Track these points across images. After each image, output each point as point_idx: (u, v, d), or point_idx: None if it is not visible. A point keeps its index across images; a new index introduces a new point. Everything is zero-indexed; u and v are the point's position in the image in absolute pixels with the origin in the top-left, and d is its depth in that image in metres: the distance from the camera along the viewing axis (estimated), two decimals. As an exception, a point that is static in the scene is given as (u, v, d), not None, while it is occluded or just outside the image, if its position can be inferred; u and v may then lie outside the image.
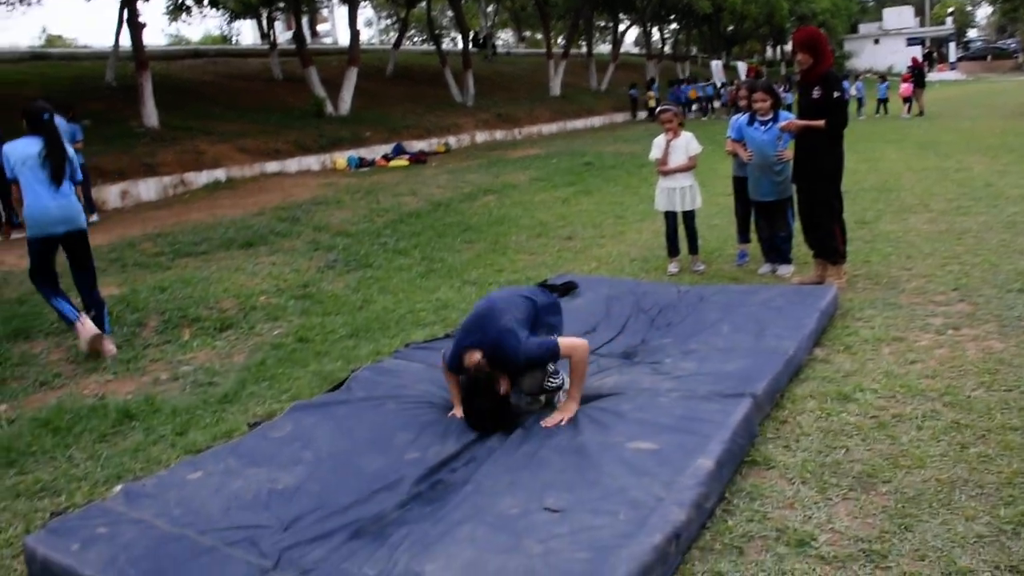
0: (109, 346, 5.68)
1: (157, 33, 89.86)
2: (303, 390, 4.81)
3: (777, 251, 6.80)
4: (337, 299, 6.92)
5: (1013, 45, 70.61)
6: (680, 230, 7.04)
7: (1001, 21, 79.43)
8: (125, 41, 18.01)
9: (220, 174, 14.55)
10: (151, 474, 3.63)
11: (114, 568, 2.80)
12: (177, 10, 23.00)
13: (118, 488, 3.50)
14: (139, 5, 16.44)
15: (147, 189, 13.21)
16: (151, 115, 15.64)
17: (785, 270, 6.72)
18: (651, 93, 30.51)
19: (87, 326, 5.58)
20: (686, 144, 6.82)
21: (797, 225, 6.48)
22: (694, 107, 31.25)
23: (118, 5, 16.28)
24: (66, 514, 3.27)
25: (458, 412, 3.92)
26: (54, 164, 5.55)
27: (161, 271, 7.76)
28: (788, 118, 6.32)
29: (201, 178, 14.20)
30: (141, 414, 4.58)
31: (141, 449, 4.13)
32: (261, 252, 8.49)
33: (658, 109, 7.49)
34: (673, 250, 7.10)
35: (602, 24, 46.78)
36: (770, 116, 6.46)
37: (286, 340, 5.89)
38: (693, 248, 7.10)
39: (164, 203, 12.65)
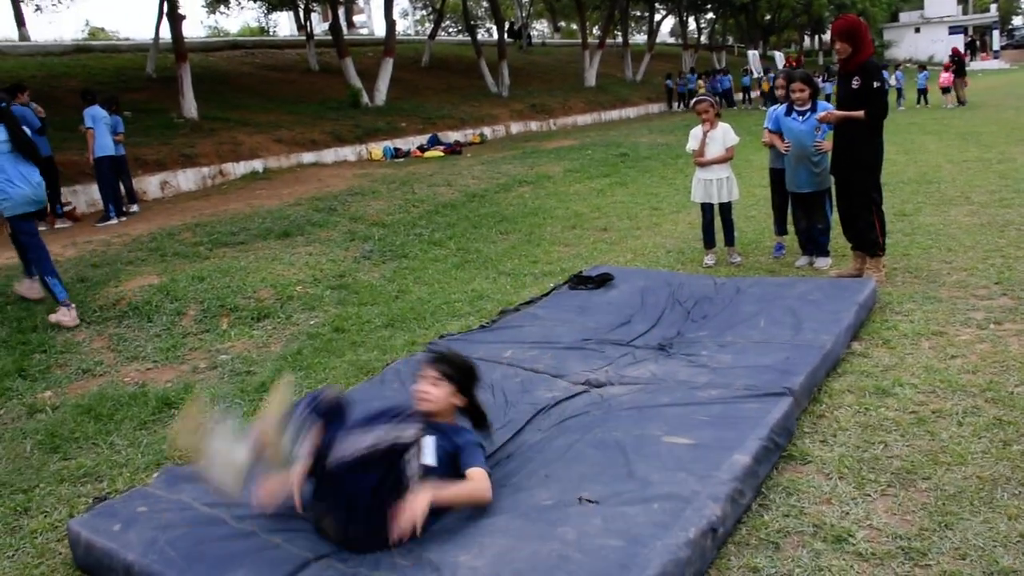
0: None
1: (196, 25, 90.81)
2: (339, 379, 4.86)
3: (814, 243, 6.72)
4: (373, 289, 6.97)
5: (1058, 35, 69.06)
6: (716, 222, 6.99)
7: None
8: (165, 33, 18.28)
9: (257, 165, 14.70)
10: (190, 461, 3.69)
11: (154, 549, 2.84)
12: (216, 2, 23.27)
13: (158, 473, 3.56)
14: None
15: (186, 180, 13.39)
16: (190, 106, 15.85)
17: (823, 263, 6.64)
18: (700, 82, 30.30)
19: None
20: (723, 135, 6.76)
21: (835, 217, 6.40)
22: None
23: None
24: (108, 499, 3.34)
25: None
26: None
27: (200, 261, 7.86)
28: (827, 108, 6.24)
29: (239, 169, 14.36)
30: (180, 402, 4.66)
31: (181, 436, 4.19)
32: (298, 242, 8.56)
33: (694, 100, 7.43)
34: (709, 242, 7.05)
35: (638, 14, 46.50)
36: (808, 106, 6.38)
37: (322, 330, 5.94)
38: (730, 240, 7.04)
39: (203, 193, 12.82)
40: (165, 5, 16.47)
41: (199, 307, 6.46)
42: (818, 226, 6.64)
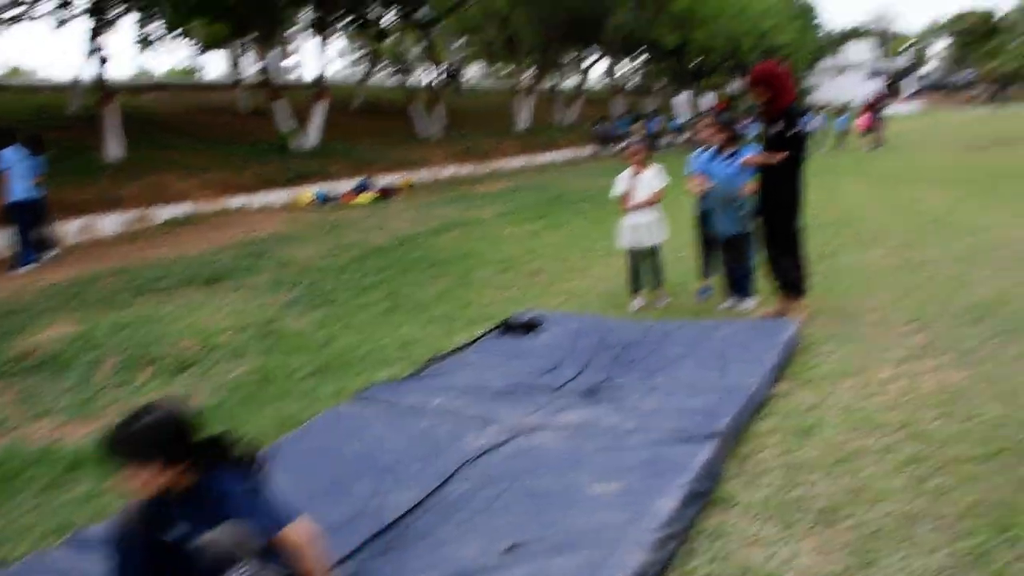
0: None
1: (124, 65, 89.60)
2: (264, 432, 4.71)
3: (740, 285, 6.84)
4: (300, 337, 6.84)
5: (967, 78, 72.60)
6: (645, 264, 7.07)
7: (957, 55, 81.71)
8: (91, 72, 17.93)
9: (184, 208, 14.42)
10: (101, 523, 3.53)
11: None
12: (145, 42, 22.93)
13: (66, 537, 3.40)
14: (106, 36, 16.36)
15: (110, 223, 13.05)
16: (115, 148, 15.52)
17: (748, 304, 6.76)
18: (639, 125, 30.91)
19: None
20: (650, 178, 6.87)
21: (760, 259, 6.54)
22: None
23: (86, 36, 16.15)
24: (9, 566, 3.17)
25: None
26: None
27: (121, 308, 7.63)
28: (749, 153, 6.41)
29: (165, 212, 14.06)
30: (93, 460, 4.46)
31: (93, 497, 4.00)
32: (224, 289, 8.39)
33: (624, 143, 7.55)
34: (637, 285, 7.12)
35: (569, 58, 47.36)
36: (732, 150, 6.54)
37: (247, 380, 5.79)
38: (657, 283, 7.12)
39: (127, 238, 12.50)
40: (92, 43, 16.15)
41: (119, 357, 6.25)
42: (742, 268, 6.77)
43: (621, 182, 6.95)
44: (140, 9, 20.16)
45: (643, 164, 6.88)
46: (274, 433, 4.65)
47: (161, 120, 20.83)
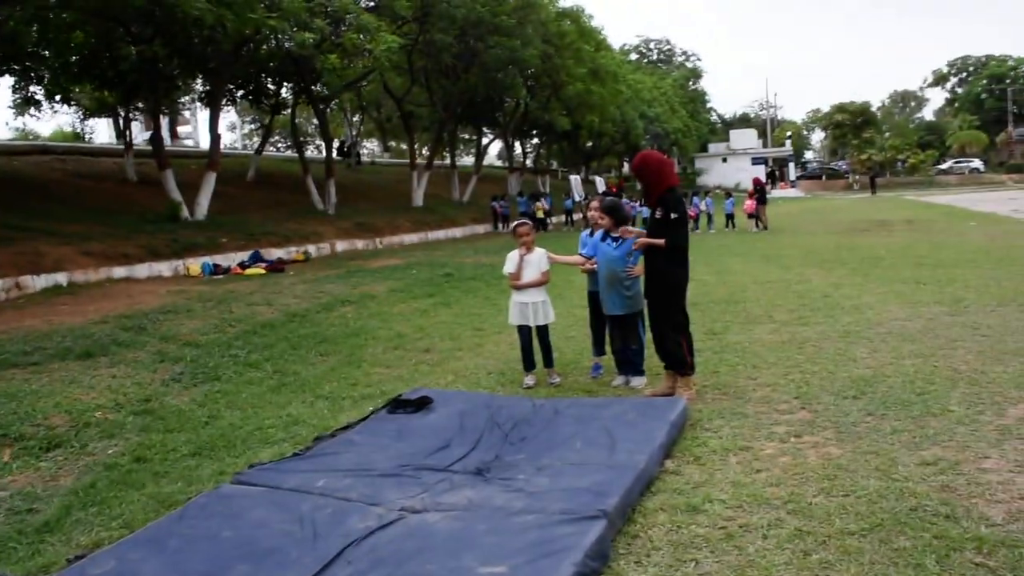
0: None
1: (0, 127, 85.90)
2: (137, 515, 4.49)
3: (630, 363, 6.96)
4: (181, 414, 6.57)
5: (844, 166, 77.47)
6: (535, 343, 7.13)
7: (833, 145, 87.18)
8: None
9: (61, 278, 13.78)
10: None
11: None
12: (25, 104, 22.16)
13: None
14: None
15: (-24, 293, 12.36)
16: (-13, 214, 14.82)
17: (638, 382, 6.88)
18: (539, 204, 31.49)
19: None
20: (539, 259, 6.98)
21: (649, 337, 6.68)
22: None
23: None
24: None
25: None
26: None
27: (-15, 383, 7.18)
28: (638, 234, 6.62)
29: (39, 282, 13.40)
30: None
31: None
32: (101, 364, 8.01)
33: (514, 223, 7.68)
34: (528, 363, 7.16)
35: (466, 137, 48.27)
36: (619, 233, 6.73)
37: (121, 460, 5.52)
38: (548, 361, 7.19)
39: (-5, 308, 11.84)
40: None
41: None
42: (632, 347, 6.91)
43: (511, 261, 7.05)
44: (16, 72, 19.56)
45: (531, 245, 7.00)
46: (149, 516, 4.43)
47: (40, 185, 20.04)
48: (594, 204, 7.31)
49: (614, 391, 6.75)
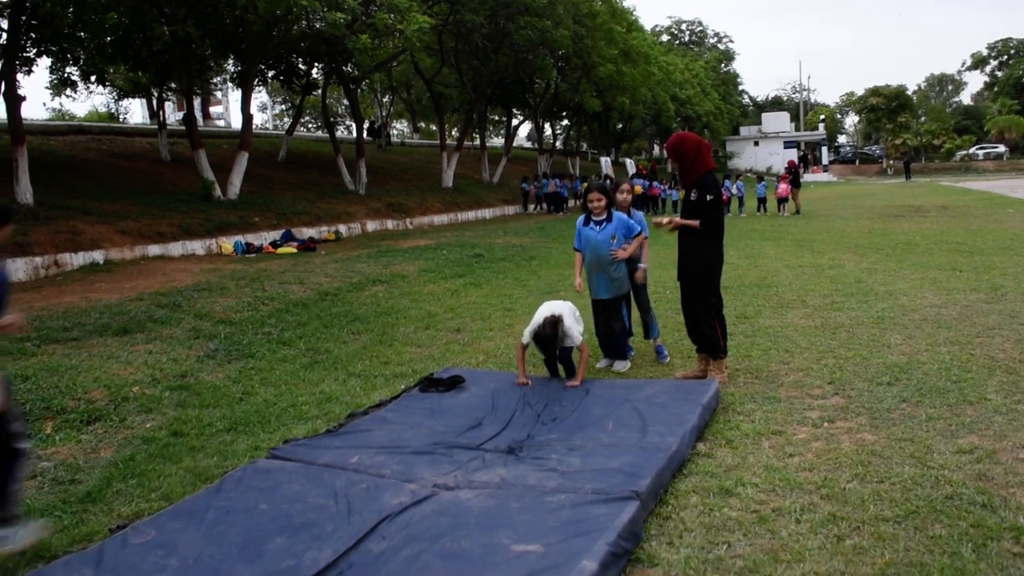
0: None
1: (38, 107, 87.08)
2: (175, 488, 4.57)
3: (614, 347, 6.96)
4: (216, 390, 6.67)
5: (878, 151, 76.31)
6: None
7: (867, 129, 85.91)
8: (1, 113, 17.44)
9: (98, 256, 13.99)
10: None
11: None
12: (61, 85, 22.42)
13: None
14: (18, 77, 15.93)
15: (16, 269, 12.56)
16: (25, 191, 15.03)
17: (621, 365, 6.89)
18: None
19: None
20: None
21: (680, 320, 6.66)
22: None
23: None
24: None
25: None
26: None
27: (25, 358, 7.32)
28: (621, 219, 6.66)
29: (77, 259, 13.61)
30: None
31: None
32: (137, 340, 8.14)
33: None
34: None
35: (496, 118, 48.12)
36: (604, 216, 6.70)
37: (159, 434, 5.61)
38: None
39: (34, 285, 12.03)
40: (3, 84, 15.69)
41: (20, 409, 5.98)
42: (616, 330, 6.89)
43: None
44: (52, 54, 19.78)
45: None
46: (187, 489, 4.51)
47: (77, 165, 20.29)
48: (624, 187, 7.27)
49: (648, 373, 6.75)
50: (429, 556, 3.36)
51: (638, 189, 25.95)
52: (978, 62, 79.97)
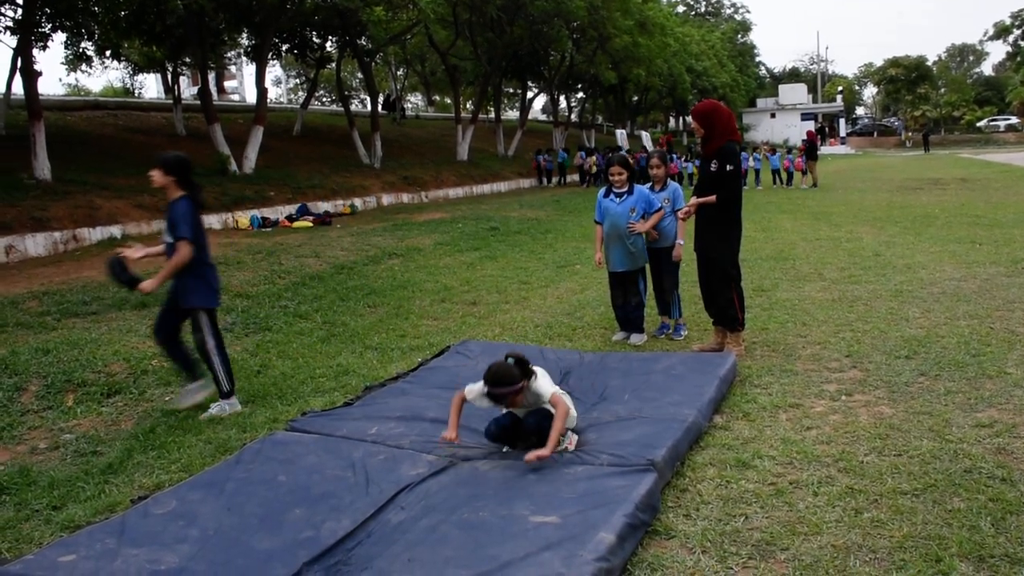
0: None
1: (54, 83, 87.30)
2: (194, 459, 4.62)
3: (630, 320, 6.94)
4: (234, 363, 6.65)
5: (896, 123, 75.43)
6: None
7: (885, 101, 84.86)
8: (18, 88, 17.47)
9: (116, 230, 14.06)
10: (19, 556, 3.39)
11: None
12: (76, 60, 22.43)
13: None
14: (34, 53, 15.93)
15: (35, 244, 12.65)
16: (43, 167, 15.07)
17: (637, 339, 6.87)
18: (592, 159, 31.29)
19: None
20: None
21: (697, 293, 6.63)
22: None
23: (11, 53, 15.71)
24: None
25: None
26: None
27: (46, 332, 7.39)
28: (643, 192, 6.64)
29: (95, 234, 13.69)
30: (14, 487, 4.30)
31: (11, 526, 3.85)
32: (156, 313, 8.17)
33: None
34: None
35: (511, 91, 47.83)
36: (625, 188, 6.66)
37: (178, 406, 5.65)
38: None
39: (53, 260, 12.12)
40: (19, 60, 15.69)
41: (42, 382, 6.05)
42: (633, 303, 6.86)
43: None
44: (67, 29, 19.75)
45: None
46: (206, 460, 4.55)
47: (93, 140, 20.35)
48: (654, 161, 7.11)
49: (664, 346, 6.73)
50: (447, 526, 3.38)
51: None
52: (1001, 31, 78.46)
